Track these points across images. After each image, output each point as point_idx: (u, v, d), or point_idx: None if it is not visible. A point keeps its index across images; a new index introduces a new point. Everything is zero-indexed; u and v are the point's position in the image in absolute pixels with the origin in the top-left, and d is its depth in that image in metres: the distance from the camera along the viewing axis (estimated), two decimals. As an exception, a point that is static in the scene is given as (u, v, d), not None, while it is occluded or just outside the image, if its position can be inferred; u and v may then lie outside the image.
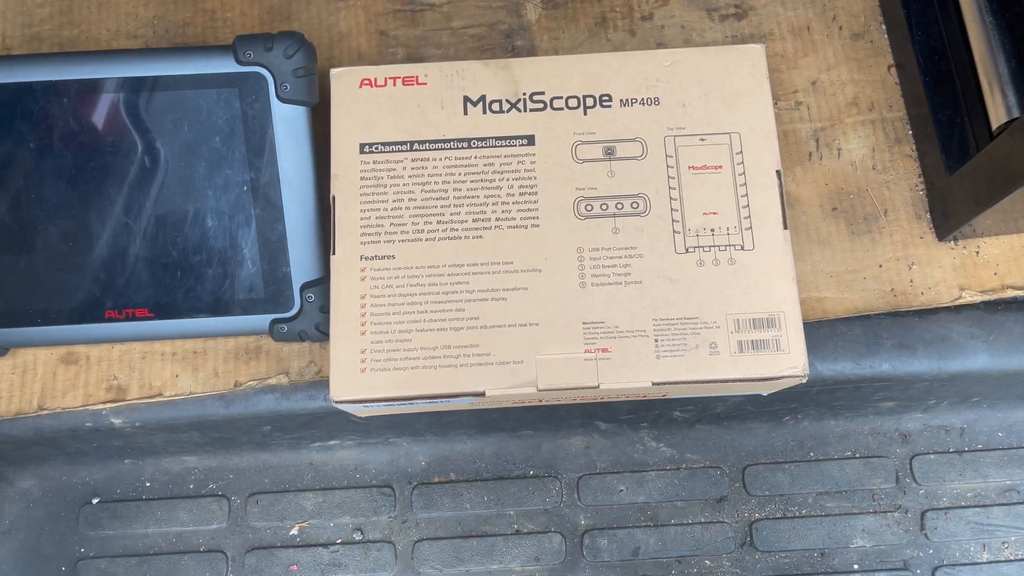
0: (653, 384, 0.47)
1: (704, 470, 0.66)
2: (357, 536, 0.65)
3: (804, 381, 0.48)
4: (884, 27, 0.61)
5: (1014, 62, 0.51)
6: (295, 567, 0.64)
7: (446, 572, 0.64)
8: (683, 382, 0.47)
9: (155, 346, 0.56)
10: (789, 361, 0.47)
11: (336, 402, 0.48)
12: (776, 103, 0.60)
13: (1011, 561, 0.64)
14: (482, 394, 0.48)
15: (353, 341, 0.48)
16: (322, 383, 0.56)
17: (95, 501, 0.66)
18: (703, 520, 0.65)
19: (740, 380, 0.47)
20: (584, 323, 0.48)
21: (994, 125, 0.51)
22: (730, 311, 0.48)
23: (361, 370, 0.48)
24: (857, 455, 0.66)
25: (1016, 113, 0.50)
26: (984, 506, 0.65)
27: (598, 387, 0.47)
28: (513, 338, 0.48)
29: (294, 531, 0.65)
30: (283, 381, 0.56)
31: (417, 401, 0.48)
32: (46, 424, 0.56)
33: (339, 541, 0.65)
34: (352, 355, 0.48)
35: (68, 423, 0.56)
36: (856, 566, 0.63)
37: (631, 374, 0.47)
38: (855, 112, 0.60)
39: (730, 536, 0.64)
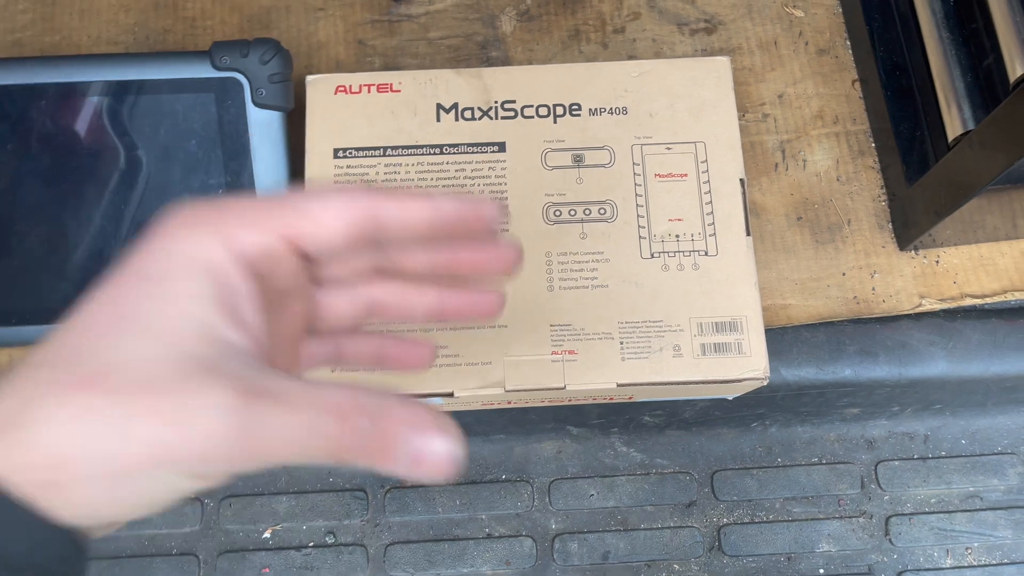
0: (618, 385, 0.48)
1: (673, 475, 0.67)
2: (329, 539, 0.65)
3: (765, 384, 0.49)
4: (849, 43, 0.63)
5: (969, 77, 0.53)
6: (267, 570, 0.64)
7: (418, 575, 0.65)
8: (647, 383, 0.48)
9: (129, 347, 0.57)
10: (750, 364, 0.48)
11: (306, 401, 0.48)
12: (744, 115, 0.61)
13: (974, 567, 0.65)
14: (451, 395, 0.48)
15: (324, 341, 0.49)
16: (295, 385, 0.57)
17: (68, 503, 0.66)
18: (672, 524, 0.66)
19: (703, 382, 0.48)
20: (552, 325, 0.49)
21: (950, 137, 0.53)
22: (693, 315, 0.49)
23: (332, 370, 0.49)
24: (823, 461, 0.67)
25: (971, 126, 0.52)
26: (948, 512, 0.66)
27: (564, 388, 0.48)
28: (482, 340, 0.49)
29: (267, 534, 0.65)
30: (256, 383, 0.56)
31: (387, 401, 0.49)
32: (19, 424, 0.57)
33: (311, 544, 0.65)
34: (323, 355, 0.49)
35: (41, 423, 0.56)
36: (822, 570, 0.64)
37: (596, 375, 0.48)
38: (820, 125, 0.61)
39: (699, 540, 0.65)
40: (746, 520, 0.66)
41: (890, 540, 0.65)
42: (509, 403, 0.52)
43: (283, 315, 0.25)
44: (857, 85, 0.62)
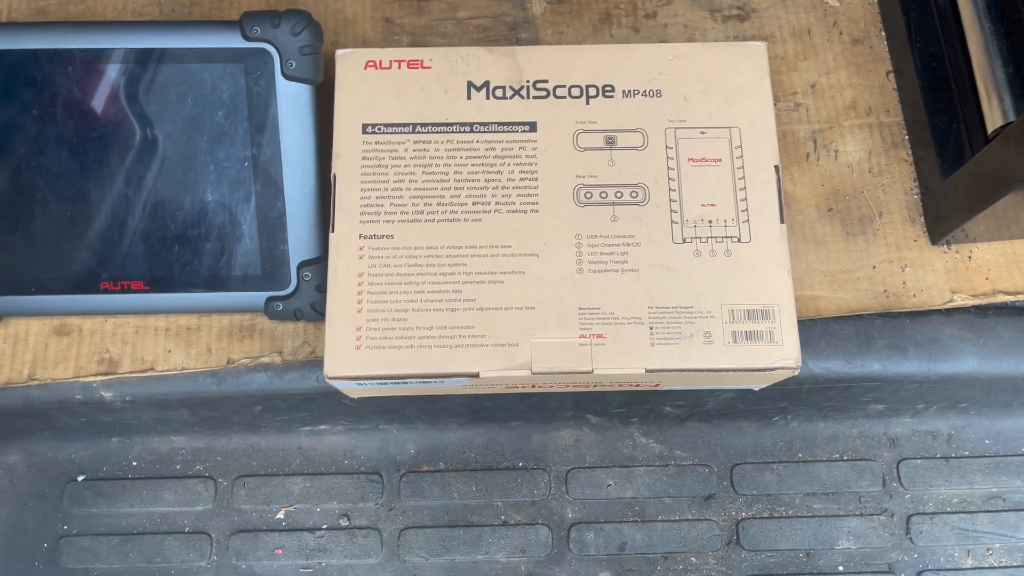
0: (647, 371, 0.47)
1: (693, 467, 0.66)
2: (343, 522, 0.65)
3: (796, 373, 0.48)
4: (884, 33, 0.62)
5: (1011, 67, 0.52)
6: (280, 551, 0.64)
7: (432, 561, 0.64)
8: (676, 370, 0.47)
9: (149, 320, 0.56)
10: (782, 353, 0.48)
11: (330, 378, 0.48)
12: (776, 104, 0.60)
13: (995, 568, 0.64)
14: (476, 375, 0.48)
15: (349, 318, 0.48)
16: (315, 363, 0.56)
17: (80, 479, 0.65)
18: (690, 517, 0.65)
19: (733, 370, 0.48)
20: (580, 308, 0.48)
21: (990, 129, 0.52)
22: (725, 301, 0.48)
23: (356, 347, 0.48)
24: (845, 457, 0.66)
25: (1012, 117, 0.51)
26: (969, 512, 0.65)
27: (592, 372, 0.47)
28: (509, 321, 0.48)
29: (280, 515, 0.65)
30: (276, 360, 0.56)
31: (411, 380, 0.48)
32: (36, 395, 0.56)
33: (325, 527, 0.65)
34: (348, 332, 0.48)
35: (58, 395, 0.56)
36: (841, 568, 0.64)
37: (625, 360, 0.48)
38: (853, 115, 0.60)
39: (716, 534, 0.64)
40: (765, 515, 0.65)
41: (911, 539, 0.64)
42: (534, 386, 0.52)
43: None
44: (891, 76, 0.61)
